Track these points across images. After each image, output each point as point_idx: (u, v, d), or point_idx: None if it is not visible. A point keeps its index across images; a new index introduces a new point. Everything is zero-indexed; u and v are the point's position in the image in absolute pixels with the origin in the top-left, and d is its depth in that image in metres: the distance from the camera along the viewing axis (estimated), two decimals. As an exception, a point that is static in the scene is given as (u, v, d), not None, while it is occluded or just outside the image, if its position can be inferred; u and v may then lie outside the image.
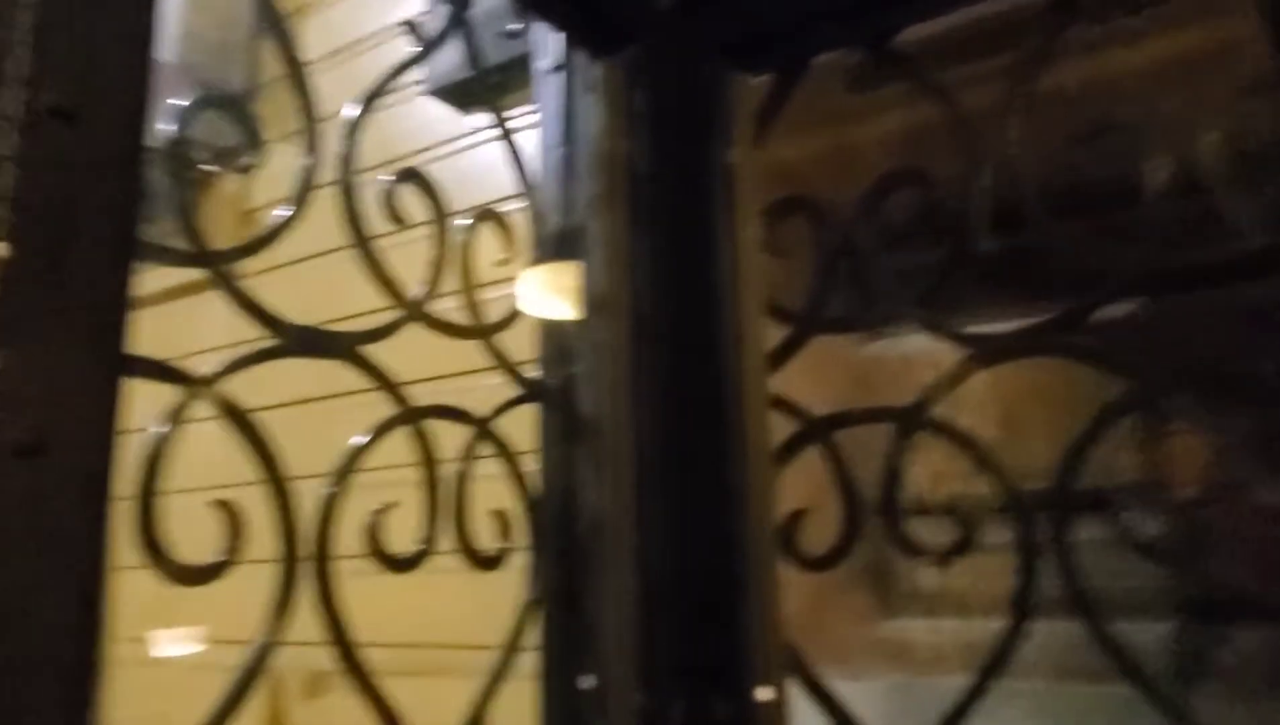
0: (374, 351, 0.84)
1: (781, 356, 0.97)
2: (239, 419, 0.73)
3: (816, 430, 0.95)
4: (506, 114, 1.07)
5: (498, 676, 0.88)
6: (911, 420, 0.92)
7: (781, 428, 0.95)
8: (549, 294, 1.01)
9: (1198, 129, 0.84)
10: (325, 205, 0.85)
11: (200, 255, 0.72)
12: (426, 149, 1.40)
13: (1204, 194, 0.84)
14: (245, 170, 1.24)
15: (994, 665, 0.82)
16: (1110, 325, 0.89)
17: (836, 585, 0.98)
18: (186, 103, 0.75)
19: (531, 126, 1.10)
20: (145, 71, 0.59)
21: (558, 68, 1.07)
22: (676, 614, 0.89)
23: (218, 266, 0.74)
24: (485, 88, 1.07)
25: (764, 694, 0.87)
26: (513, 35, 1.11)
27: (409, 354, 0.88)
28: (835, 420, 0.95)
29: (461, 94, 1.41)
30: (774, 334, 0.98)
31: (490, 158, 1.04)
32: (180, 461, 0.66)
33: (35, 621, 0.50)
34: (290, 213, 0.79)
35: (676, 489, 0.92)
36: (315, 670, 1.43)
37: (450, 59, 1.32)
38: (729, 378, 0.94)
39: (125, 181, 0.57)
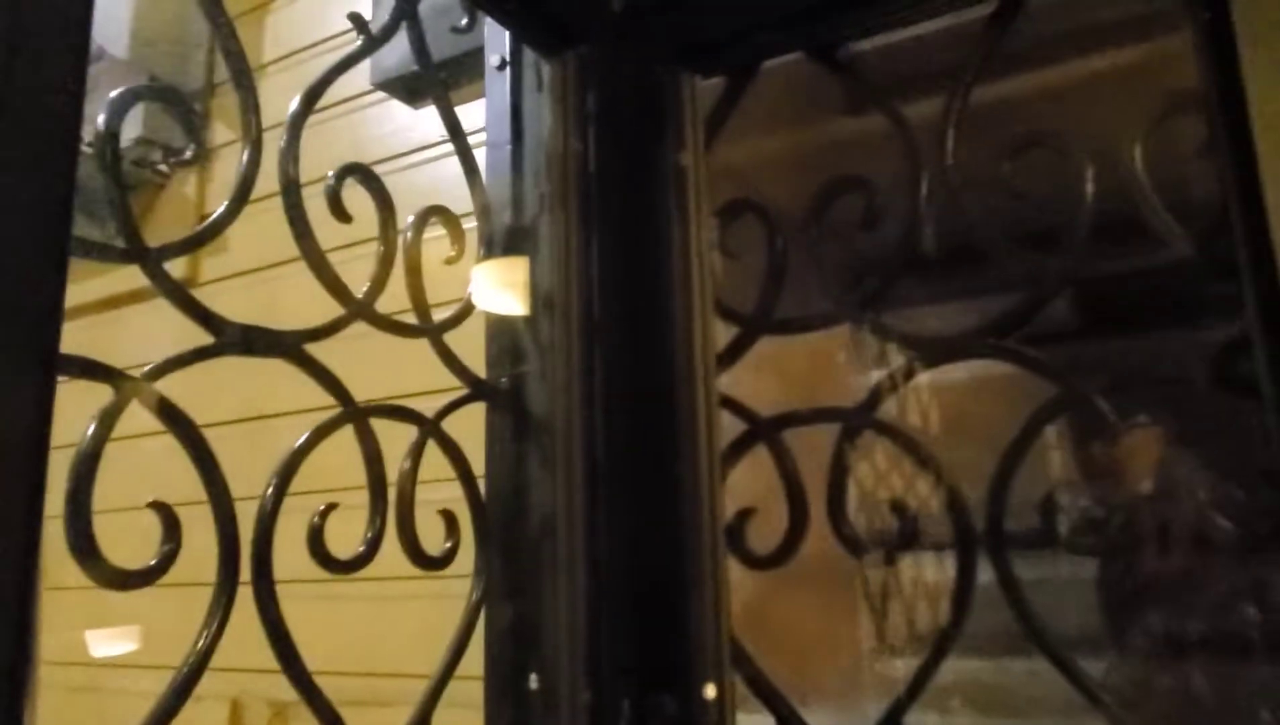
0: (327, 359, 0.83)
1: (730, 356, 0.98)
2: (175, 418, 0.71)
3: (764, 430, 0.96)
4: (456, 109, 1.06)
5: (443, 680, 0.88)
6: (857, 420, 0.93)
7: (732, 427, 0.96)
8: (498, 288, 1.01)
9: (1127, 142, 0.87)
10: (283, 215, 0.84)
11: (134, 251, 0.71)
12: (391, 157, 1.37)
13: (1132, 204, 0.87)
14: (190, 164, 1.21)
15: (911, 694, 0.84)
16: (1043, 330, 0.92)
17: (843, 623, 0.99)
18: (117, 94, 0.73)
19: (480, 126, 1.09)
20: (79, 64, 0.57)
21: (506, 64, 1.06)
22: (625, 612, 0.89)
23: (152, 262, 0.72)
24: (434, 82, 1.06)
25: (711, 691, 0.88)
26: (460, 31, 1.10)
27: (363, 364, 0.87)
28: (782, 420, 0.96)
29: (409, 87, 1.39)
30: (723, 334, 0.98)
31: (453, 164, 1.03)
32: (127, 480, 0.65)
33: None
34: (227, 207, 0.77)
35: (626, 488, 0.92)
36: (279, 700, 1.38)
37: (399, 51, 1.30)
38: (678, 377, 0.94)
39: (58, 176, 0.55)
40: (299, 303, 0.82)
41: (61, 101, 0.56)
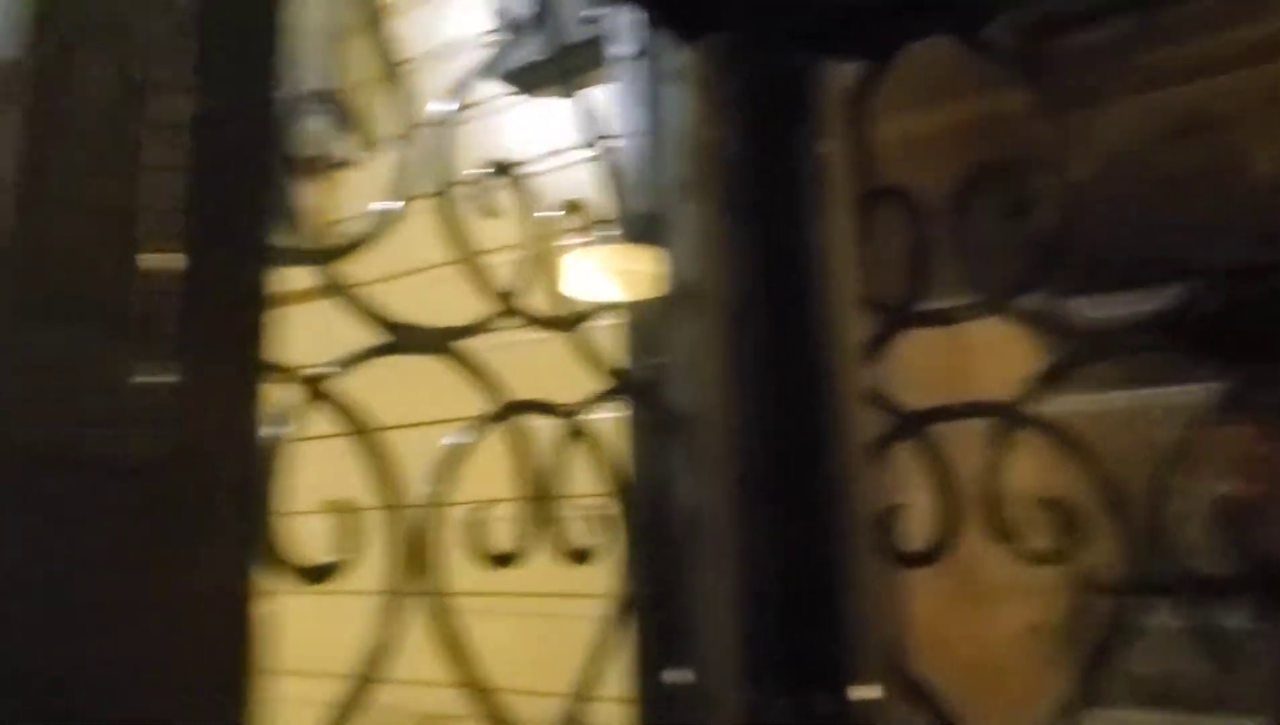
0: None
1: (875, 349, 0.96)
2: (352, 418, 0.72)
3: (911, 424, 0.94)
4: (577, 98, 1.05)
5: (592, 677, 0.88)
6: (1010, 415, 0.90)
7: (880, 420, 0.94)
8: (636, 281, 1.00)
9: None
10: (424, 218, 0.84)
11: (312, 253, 0.71)
12: (535, 158, 1.35)
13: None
14: (343, 166, 1.22)
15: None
16: (1204, 321, 0.88)
17: (1040, 667, 0.95)
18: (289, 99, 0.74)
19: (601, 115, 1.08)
20: (276, 72, 0.58)
21: (640, 54, 1.05)
22: (776, 609, 0.88)
23: (326, 264, 0.73)
24: (558, 72, 1.05)
25: (863, 692, 0.87)
26: (590, 21, 1.09)
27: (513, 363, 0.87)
28: (930, 415, 0.94)
29: (528, 78, 1.39)
30: (867, 326, 0.96)
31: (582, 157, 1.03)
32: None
33: (183, 642, 0.49)
34: (394, 206, 0.78)
35: (773, 483, 0.91)
36: (427, 712, 1.31)
37: (516, 42, 1.30)
38: (823, 370, 0.93)
39: (260, 183, 0.56)
40: (423, 306, 0.82)
41: (264, 111, 0.57)
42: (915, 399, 0.95)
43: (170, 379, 0.45)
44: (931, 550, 0.90)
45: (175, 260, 0.47)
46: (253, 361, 0.54)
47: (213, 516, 0.49)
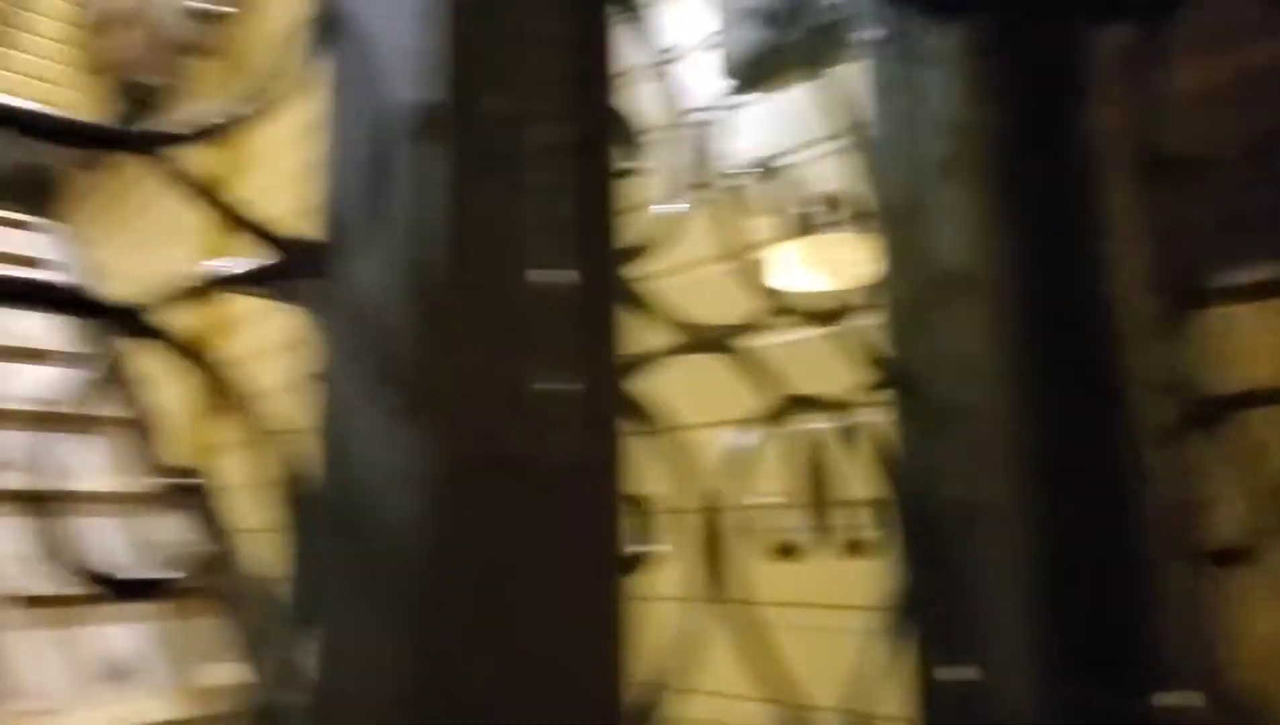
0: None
1: (1169, 329, 0.90)
2: (648, 417, 0.74)
3: (1213, 411, 0.87)
4: (823, 87, 1.03)
5: (870, 678, 0.87)
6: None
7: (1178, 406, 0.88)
8: (895, 269, 0.98)
9: None
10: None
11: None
12: (785, 151, 1.34)
13: None
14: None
15: None
16: None
17: None
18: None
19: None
20: (613, 95, 0.60)
21: (890, 37, 1.02)
22: (1067, 606, 0.85)
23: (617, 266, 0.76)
24: (803, 61, 1.04)
25: (1170, 699, 0.82)
26: (834, 7, 1.07)
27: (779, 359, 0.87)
28: (1237, 400, 0.87)
29: (770, 69, 1.38)
30: (1160, 304, 0.90)
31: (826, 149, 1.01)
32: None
33: (574, 644, 0.52)
34: (679, 207, 0.79)
35: (1058, 474, 0.87)
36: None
37: (737, 37, 1.30)
38: (1110, 354, 0.88)
39: (614, 202, 0.58)
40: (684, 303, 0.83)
41: (612, 132, 0.59)
42: (1216, 381, 0.89)
43: (568, 386, 0.48)
44: (1244, 548, 0.84)
45: (562, 275, 0.49)
46: (616, 365, 0.57)
47: (607, 515, 0.52)
